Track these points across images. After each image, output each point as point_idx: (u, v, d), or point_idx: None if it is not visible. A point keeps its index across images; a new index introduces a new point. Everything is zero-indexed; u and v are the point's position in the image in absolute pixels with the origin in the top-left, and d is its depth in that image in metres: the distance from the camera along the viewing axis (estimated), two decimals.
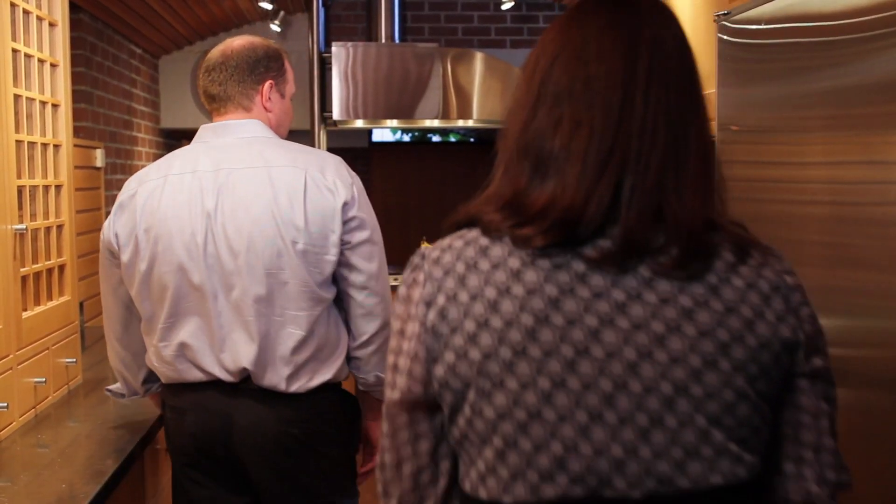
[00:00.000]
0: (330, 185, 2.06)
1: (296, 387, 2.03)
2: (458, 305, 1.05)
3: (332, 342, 2.08)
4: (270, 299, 1.99)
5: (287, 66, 2.24)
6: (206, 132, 2.18)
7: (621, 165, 1.03)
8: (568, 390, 1.01)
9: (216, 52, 2.17)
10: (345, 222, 2.05)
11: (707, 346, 1.01)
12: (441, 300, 1.07)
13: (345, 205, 2.05)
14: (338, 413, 2.13)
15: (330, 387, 2.09)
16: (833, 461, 1.11)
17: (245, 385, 2.03)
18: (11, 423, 2.30)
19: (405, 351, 1.10)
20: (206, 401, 2.04)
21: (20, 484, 1.96)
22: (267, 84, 2.15)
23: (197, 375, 2.04)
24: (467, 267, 1.07)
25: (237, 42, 2.17)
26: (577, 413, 1.01)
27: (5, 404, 2.23)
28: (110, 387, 2.34)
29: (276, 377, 2.01)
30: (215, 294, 1.99)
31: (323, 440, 2.09)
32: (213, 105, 2.20)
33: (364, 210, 2.11)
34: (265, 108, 2.16)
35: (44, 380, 2.48)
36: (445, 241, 1.11)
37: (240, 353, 2.00)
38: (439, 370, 1.06)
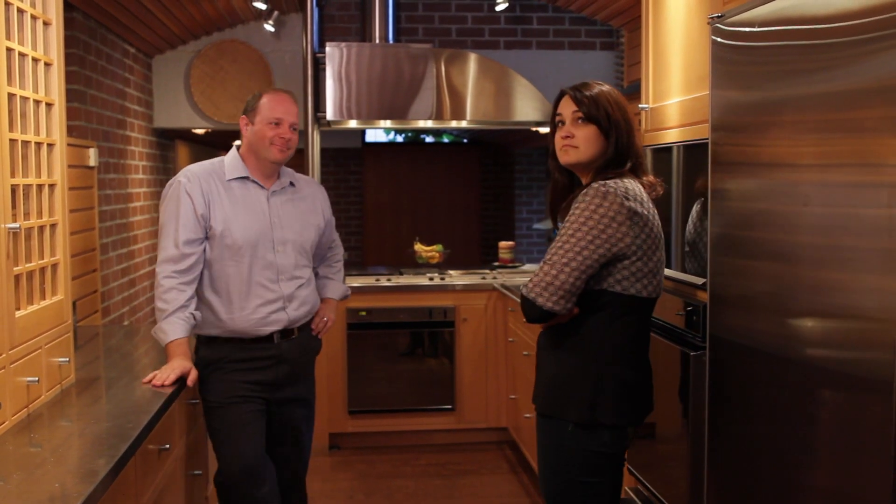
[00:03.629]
0: None
1: None
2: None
3: None
4: None
5: (262, 101, 3.13)
6: None
7: None
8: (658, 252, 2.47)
9: None
10: None
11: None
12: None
13: None
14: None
15: None
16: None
17: None
18: (4, 423, 2.30)
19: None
20: None
21: (12, 483, 1.96)
22: (242, 119, 3.18)
23: None
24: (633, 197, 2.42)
25: None
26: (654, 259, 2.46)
27: None
28: None
29: None
30: None
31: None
32: None
33: (160, 211, 3.11)
34: (244, 135, 3.17)
35: (36, 379, 2.47)
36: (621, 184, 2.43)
37: None
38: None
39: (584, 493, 2.46)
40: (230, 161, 3.14)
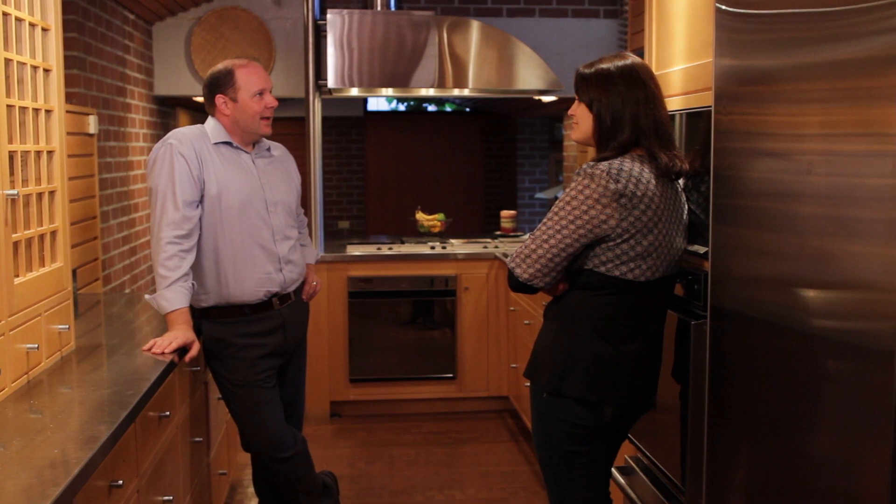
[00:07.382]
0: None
1: None
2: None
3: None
4: None
5: (238, 76, 3.11)
6: None
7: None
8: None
9: None
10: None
11: (681, 212, 2.57)
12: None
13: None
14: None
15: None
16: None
17: None
18: (4, 389, 2.30)
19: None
20: None
21: (13, 449, 1.96)
22: (219, 98, 3.13)
23: None
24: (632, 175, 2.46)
25: None
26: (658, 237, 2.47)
27: None
28: None
29: None
30: None
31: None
32: None
33: (148, 176, 3.06)
34: (223, 113, 3.14)
35: (36, 346, 2.48)
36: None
37: None
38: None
39: (571, 461, 2.52)
40: (212, 127, 3.14)
